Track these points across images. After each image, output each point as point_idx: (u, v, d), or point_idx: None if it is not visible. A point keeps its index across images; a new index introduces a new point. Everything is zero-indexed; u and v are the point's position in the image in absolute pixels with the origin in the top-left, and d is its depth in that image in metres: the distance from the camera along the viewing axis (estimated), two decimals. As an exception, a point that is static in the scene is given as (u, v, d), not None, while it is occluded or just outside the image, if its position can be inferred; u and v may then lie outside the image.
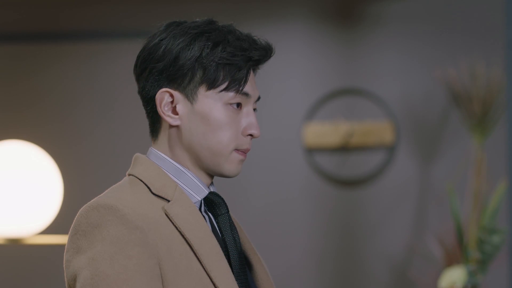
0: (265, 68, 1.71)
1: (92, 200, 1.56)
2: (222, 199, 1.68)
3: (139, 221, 1.52)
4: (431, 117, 4.76)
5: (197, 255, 1.57)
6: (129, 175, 1.65)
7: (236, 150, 1.65)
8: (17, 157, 3.27)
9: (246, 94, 1.64)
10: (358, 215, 4.80)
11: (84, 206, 1.55)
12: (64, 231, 3.82)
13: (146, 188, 1.61)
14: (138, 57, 1.66)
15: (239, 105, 1.64)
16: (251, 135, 1.66)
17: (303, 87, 4.87)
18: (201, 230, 1.59)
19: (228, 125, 1.63)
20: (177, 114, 1.63)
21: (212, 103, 1.62)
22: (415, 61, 4.78)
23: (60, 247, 4.11)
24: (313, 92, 4.86)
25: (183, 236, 1.57)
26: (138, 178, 1.62)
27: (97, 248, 1.49)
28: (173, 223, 1.57)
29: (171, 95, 1.62)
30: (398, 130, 4.79)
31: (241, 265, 1.65)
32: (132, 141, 4.86)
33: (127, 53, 4.95)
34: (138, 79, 1.67)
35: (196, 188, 1.65)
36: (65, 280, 1.55)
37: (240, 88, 1.63)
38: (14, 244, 3.34)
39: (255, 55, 1.63)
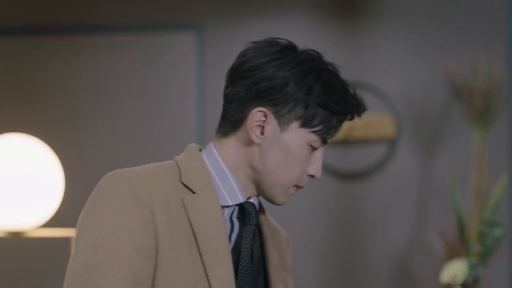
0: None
1: (123, 169, 1.62)
2: (255, 210, 1.68)
3: (151, 201, 1.57)
4: (433, 111, 4.76)
5: (200, 250, 1.58)
6: (175, 159, 1.68)
7: (294, 185, 1.68)
8: (19, 150, 3.27)
9: (327, 142, 1.67)
10: (359, 209, 4.80)
11: (113, 171, 1.61)
12: (65, 224, 3.82)
13: (178, 174, 1.64)
14: (246, 62, 1.65)
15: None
16: (312, 176, 1.69)
17: (304, 81, 4.86)
18: (213, 228, 1.60)
19: (302, 163, 1.65)
20: (262, 134, 1.64)
21: (299, 139, 1.64)
22: (417, 55, 4.78)
23: (62, 240, 4.11)
24: (315, 86, 4.85)
25: (192, 228, 1.59)
26: (177, 163, 1.65)
27: (106, 213, 1.56)
28: (186, 213, 1.60)
29: (265, 115, 1.63)
30: (400, 123, 4.79)
31: (252, 279, 1.64)
32: (133, 134, 4.85)
33: (128, 47, 4.96)
34: (235, 79, 1.66)
35: (231, 193, 1.66)
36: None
37: (329, 137, 1.66)
38: (15, 237, 3.34)
39: (354, 111, 1.66)
